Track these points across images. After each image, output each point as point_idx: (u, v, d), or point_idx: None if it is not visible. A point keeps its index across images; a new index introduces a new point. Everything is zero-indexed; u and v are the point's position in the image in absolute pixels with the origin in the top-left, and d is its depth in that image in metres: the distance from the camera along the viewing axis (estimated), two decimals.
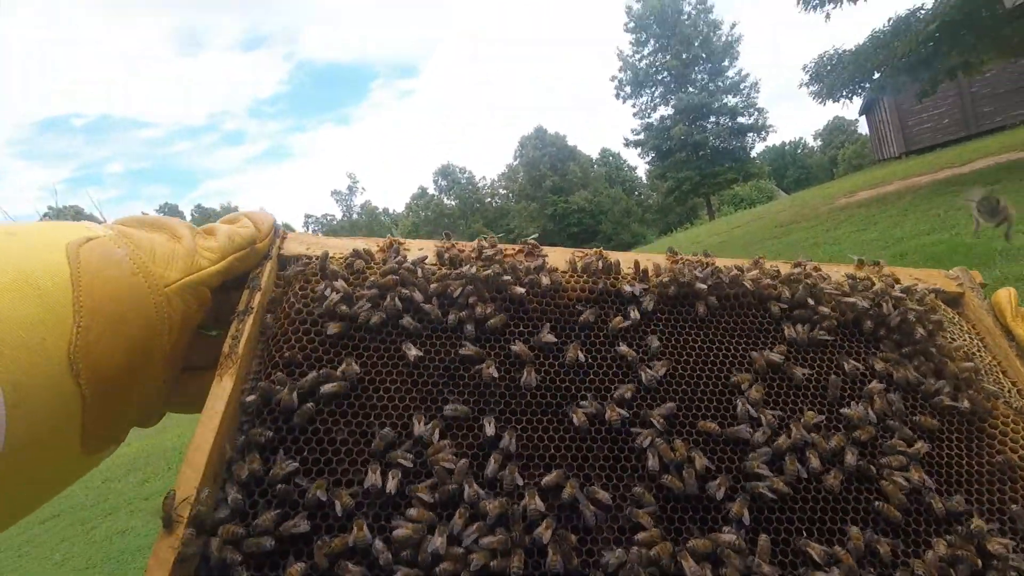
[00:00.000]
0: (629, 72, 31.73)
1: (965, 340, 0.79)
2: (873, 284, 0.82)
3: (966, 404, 0.69)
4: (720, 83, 31.27)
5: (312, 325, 0.66)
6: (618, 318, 0.72)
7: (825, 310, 0.77)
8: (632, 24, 30.30)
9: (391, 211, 59.51)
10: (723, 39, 30.56)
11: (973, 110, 18.59)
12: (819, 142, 64.74)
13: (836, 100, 11.37)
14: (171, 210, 46.28)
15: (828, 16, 10.20)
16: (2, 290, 0.45)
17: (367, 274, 0.72)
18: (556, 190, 41.63)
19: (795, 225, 11.07)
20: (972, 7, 8.94)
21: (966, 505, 0.62)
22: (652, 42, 30.77)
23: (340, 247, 0.75)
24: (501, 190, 49.33)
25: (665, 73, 30.91)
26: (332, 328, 0.65)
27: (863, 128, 32.54)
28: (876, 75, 10.59)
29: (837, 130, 59.09)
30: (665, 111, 32.15)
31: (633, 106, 32.94)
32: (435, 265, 0.75)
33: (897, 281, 0.84)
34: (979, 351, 0.78)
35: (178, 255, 0.58)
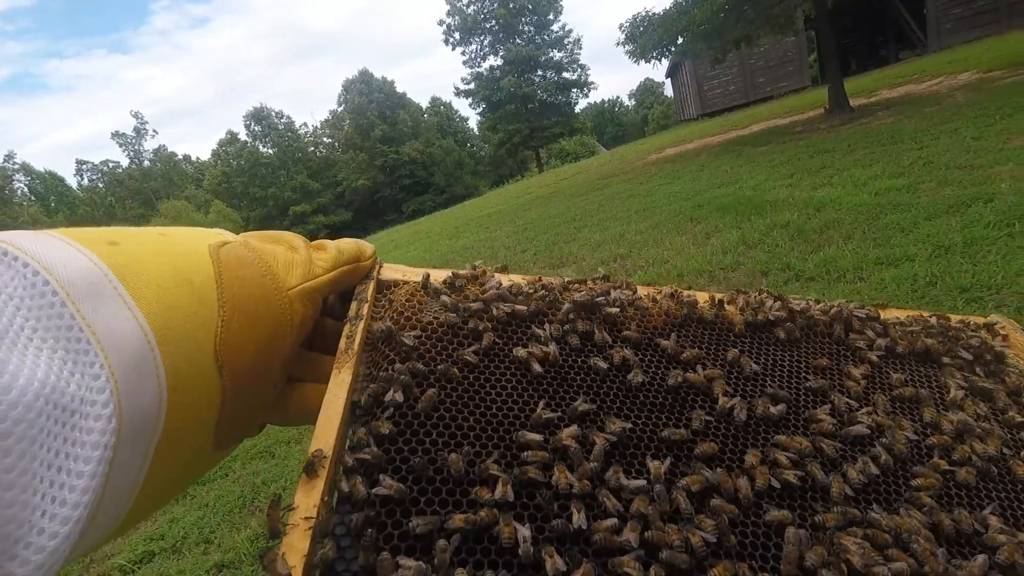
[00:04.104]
0: (457, 17, 30.93)
1: None
2: (930, 320, 0.89)
3: None
4: (545, 36, 32.02)
5: (422, 331, 0.69)
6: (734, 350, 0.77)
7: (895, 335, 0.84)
8: None
9: (194, 158, 51.89)
10: None
11: (752, 80, 21.59)
12: (633, 102, 70.54)
13: (648, 60, 12.28)
14: None
15: None
16: (168, 283, 0.48)
17: (467, 292, 0.76)
18: (386, 140, 39.71)
19: (614, 178, 11.92)
20: None
21: None
22: None
23: (437, 274, 0.79)
24: (325, 138, 45.66)
25: (493, 22, 30.69)
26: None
27: (669, 91, 35.99)
28: (680, 40, 11.59)
29: (647, 91, 64.89)
30: (495, 61, 32.15)
31: (463, 54, 32.38)
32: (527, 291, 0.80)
33: (950, 319, 0.90)
34: None
35: (297, 263, 0.62)
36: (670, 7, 11.39)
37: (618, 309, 0.77)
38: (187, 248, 0.53)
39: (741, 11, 10.48)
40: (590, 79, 33.24)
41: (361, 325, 0.67)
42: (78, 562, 3.09)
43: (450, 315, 0.71)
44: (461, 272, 0.79)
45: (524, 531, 0.51)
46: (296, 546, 0.48)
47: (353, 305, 0.69)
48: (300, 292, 0.60)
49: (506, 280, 0.81)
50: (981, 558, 0.56)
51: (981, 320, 0.91)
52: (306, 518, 0.50)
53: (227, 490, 3.35)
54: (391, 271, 0.78)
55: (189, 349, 0.47)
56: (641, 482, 0.57)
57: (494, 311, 0.73)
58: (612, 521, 0.53)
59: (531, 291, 0.78)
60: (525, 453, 0.58)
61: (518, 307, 0.74)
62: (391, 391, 0.60)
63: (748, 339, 0.81)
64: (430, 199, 39.87)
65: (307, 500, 0.51)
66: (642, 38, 11.95)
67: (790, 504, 0.60)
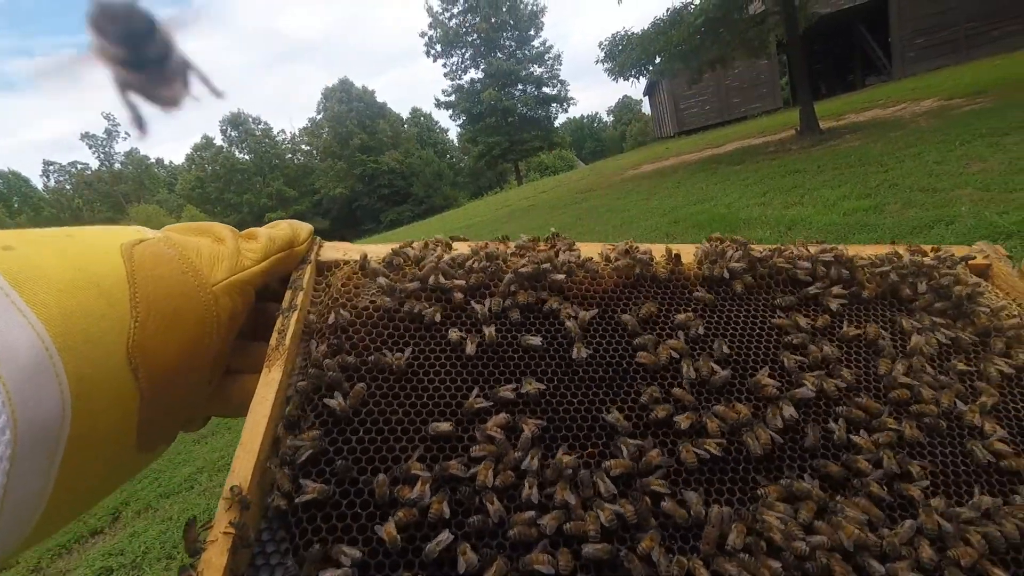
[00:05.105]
0: (439, 30, 31.11)
1: (1008, 304, 0.79)
2: (902, 258, 0.83)
3: (1022, 358, 0.72)
4: (526, 51, 32.38)
5: (356, 317, 0.68)
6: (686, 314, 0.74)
7: (861, 279, 0.81)
8: None
9: (167, 162, 50.84)
10: (528, 8, 31.53)
11: (727, 100, 22.13)
12: (611, 118, 71.54)
13: (626, 78, 12.50)
14: None
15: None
16: (69, 287, 0.46)
17: (407, 271, 0.73)
18: (365, 149, 39.49)
19: (592, 192, 12.05)
20: (728, 8, 10.43)
21: None
22: (461, 1, 30.46)
23: (378, 250, 0.76)
24: (304, 146, 45.21)
25: (475, 36, 30.93)
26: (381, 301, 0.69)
27: (646, 108, 36.58)
28: (658, 59, 11.83)
29: (626, 108, 65.97)
30: (475, 74, 32.38)
31: (444, 66, 32.54)
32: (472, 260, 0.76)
33: (925, 253, 0.85)
34: (1020, 314, 0.78)
35: (223, 255, 0.60)
36: (648, 27, 11.63)
37: (564, 276, 0.73)
38: (96, 248, 0.52)
39: (717, 33, 10.77)
40: (570, 95, 33.71)
41: (294, 317, 0.65)
42: None
43: (385, 299, 0.69)
44: (401, 249, 0.75)
45: (444, 535, 0.51)
46: (214, 562, 0.48)
47: (287, 295, 0.67)
48: (227, 286, 0.59)
49: (448, 252, 0.76)
50: (908, 523, 0.56)
51: (960, 252, 0.86)
52: (225, 533, 0.49)
53: (192, 503, 3.25)
54: (331, 251, 0.75)
55: (96, 354, 0.46)
56: (570, 459, 0.56)
57: (431, 282, 0.70)
58: (530, 514, 0.53)
59: (474, 263, 0.74)
60: (473, 448, 0.57)
61: (457, 282, 0.71)
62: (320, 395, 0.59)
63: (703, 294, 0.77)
64: (409, 209, 39.69)
65: (227, 515, 0.50)
66: (621, 56, 12.17)
67: (721, 476, 0.59)
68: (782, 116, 16.44)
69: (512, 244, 0.79)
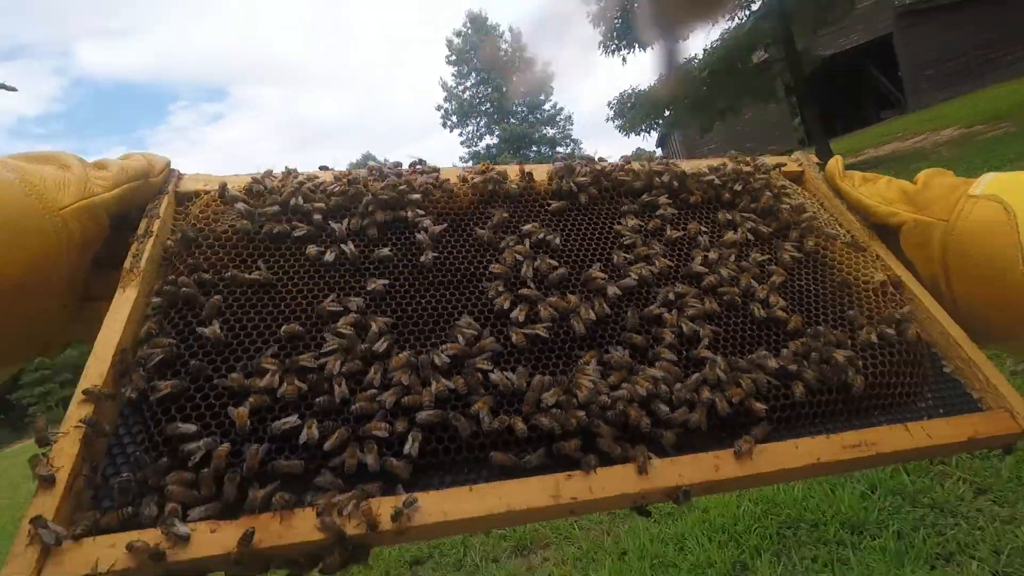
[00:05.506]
0: (454, 102, 32.62)
1: (806, 203, 0.95)
2: (727, 166, 0.96)
3: (810, 244, 0.88)
4: (538, 115, 33.58)
5: (215, 240, 0.70)
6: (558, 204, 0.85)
7: (694, 192, 0.93)
8: (454, 57, 31.27)
9: None
10: (538, 75, 32.92)
11: (741, 144, 22.31)
12: None
13: (637, 133, 12.75)
14: None
15: (624, 60, 11.42)
16: None
17: (267, 197, 0.75)
18: None
19: None
20: (732, 60, 10.67)
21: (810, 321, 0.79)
22: (474, 75, 32.05)
23: (238, 180, 0.78)
24: None
25: (488, 104, 32.30)
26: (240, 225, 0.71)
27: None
28: (667, 112, 12.06)
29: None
30: (491, 140, 33.57)
31: (460, 135, 33.90)
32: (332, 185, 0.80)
33: (747, 163, 0.98)
34: (819, 210, 0.95)
35: (70, 181, 0.60)
36: (655, 83, 11.94)
37: (420, 195, 0.78)
38: None
39: (723, 84, 10.97)
40: (583, 152, 34.53)
41: (149, 243, 0.67)
42: None
43: (245, 223, 0.71)
44: (262, 179, 0.78)
45: (292, 418, 0.56)
46: (67, 451, 0.50)
47: (143, 222, 0.69)
48: (75, 210, 0.59)
49: (310, 178, 0.80)
50: (695, 376, 0.67)
51: (775, 160, 1.01)
52: (76, 426, 0.51)
53: None
54: (192, 182, 0.78)
55: None
56: (406, 355, 0.62)
57: (292, 204, 0.73)
58: (372, 391, 0.59)
59: (335, 188, 0.78)
60: (324, 345, 0.62)
61: (317, 204, 0.74)
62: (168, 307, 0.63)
63: (551, 207, 0.85)
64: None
65: (79, 411, 0.52)
66: (630, 113, 12.45)
67: (548, 354, 0.68)
68: None
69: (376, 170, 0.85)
